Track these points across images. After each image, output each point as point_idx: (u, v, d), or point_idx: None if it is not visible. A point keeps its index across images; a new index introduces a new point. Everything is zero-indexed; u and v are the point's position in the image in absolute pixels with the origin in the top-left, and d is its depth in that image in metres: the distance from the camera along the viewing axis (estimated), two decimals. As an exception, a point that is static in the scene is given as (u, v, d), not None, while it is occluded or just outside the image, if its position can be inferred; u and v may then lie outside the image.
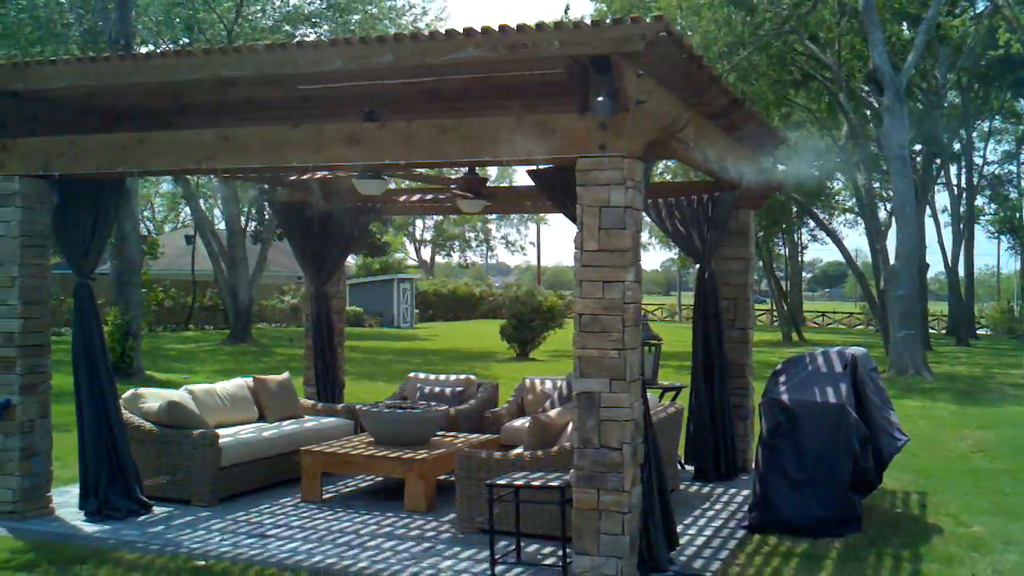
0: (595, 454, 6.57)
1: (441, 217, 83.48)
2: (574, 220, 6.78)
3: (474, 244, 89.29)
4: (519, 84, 7.04)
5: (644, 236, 61.05)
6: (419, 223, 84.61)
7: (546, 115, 6.75)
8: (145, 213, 75.83)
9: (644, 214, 10.36)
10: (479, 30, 6.47)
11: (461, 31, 6.52)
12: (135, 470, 8.48)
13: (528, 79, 6.94)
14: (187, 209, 43.54)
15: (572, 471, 6.70)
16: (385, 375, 22.44)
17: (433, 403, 10.07)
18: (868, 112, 32.87)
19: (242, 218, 36.49)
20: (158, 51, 7.73)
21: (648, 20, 6.15)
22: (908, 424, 13.80)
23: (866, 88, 31.16)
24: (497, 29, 6.45)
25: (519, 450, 8.25)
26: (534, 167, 7.50)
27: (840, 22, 29.18)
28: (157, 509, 8.54)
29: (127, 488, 8.34)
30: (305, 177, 10.09)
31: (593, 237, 6.63)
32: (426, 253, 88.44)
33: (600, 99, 6.42)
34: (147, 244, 23.90)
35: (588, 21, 6.40)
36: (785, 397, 8.27)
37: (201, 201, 45.50)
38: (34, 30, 25.43)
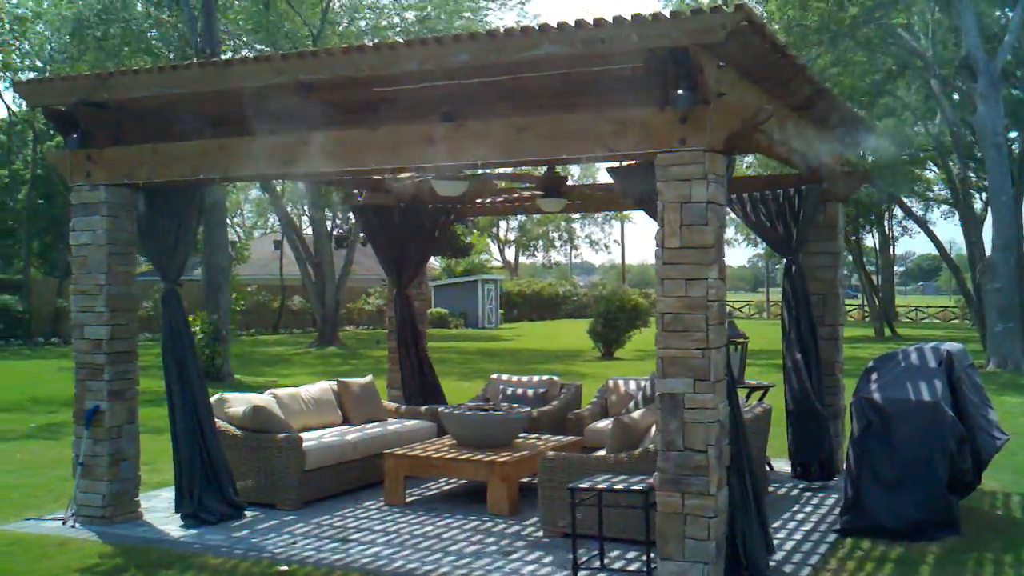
0: (679, 457, 6.41)
1: (525, 217, 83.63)
2: (655, 217, 6.64)
3: (558, 244, 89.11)
4: (597, 80, 6.89)
5: (730, 232, 60.50)
6: (503, 224, 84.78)
7: (625, 111, 6.61)
8: (235, 219, 77.62)
9: (728, 209, 10.28)
10: (555, 26, 6.37)
11: (537, 27, 6.43)
12: (228, 473, 8.55)
13: (606, 74, 6.79)
14: (275, 215, 44.12)
15: (656, 474, 6.55)
16: (468, 375, 22.43)
17: (515, 405, 9.99)
18: (960, 99, 31.92)
19: (328, 223, 36.94)
20: (237, 58, 7.69)
21: (729, 9, 5.97)
22: (1009, 421, 13.32)
23: (959, 76, 30.29)
24: (573, 24, 6.34)
25: (602, 452, 8.11)
26: (614, 164, 7.37)
27: (933, 8, 28.35)
28: (246, 513, 8.59)
29: (220, 491, 8.41)
30: (383, 178, 10.06)
31: (675, 234, 6.47)
32: (510, 254, 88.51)
33: (679, 92, 6.27)
34: (235, 250, 24.20)
35: (667, 13, 6.20)
36: (877, 396, 7.99)
37: (288, 207, 46.34)
38: (123, 42, 26.10)
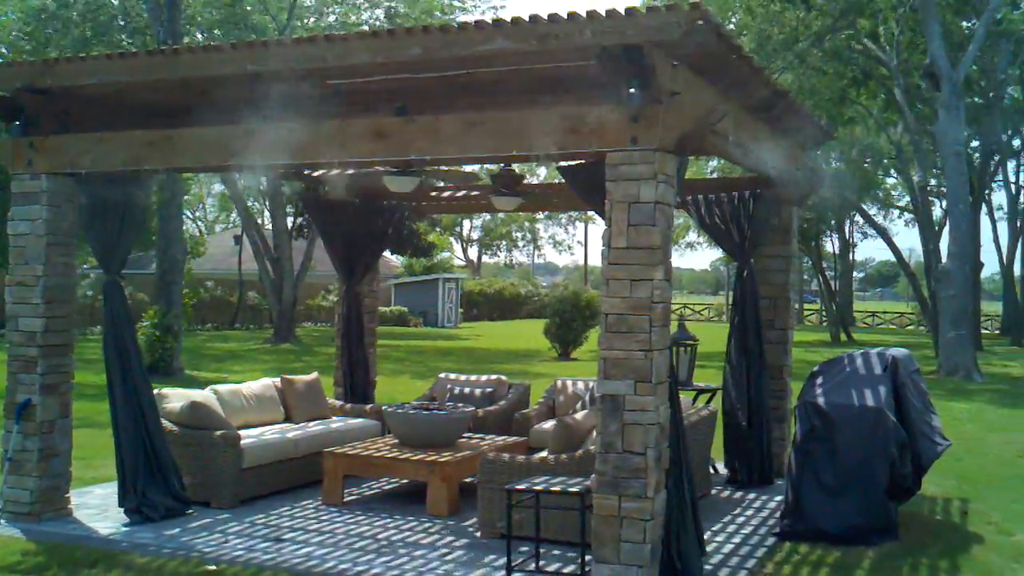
0: (617, 459, 6.33)
1: (489, 217, 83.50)
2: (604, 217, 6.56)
3: (521, 244, 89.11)
4: (551, 77, 6.79)
5: (692, 235, 60.61)
6: (467, 223, 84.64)
7: (578, 108, 6.52)
8: (197, 213, 76.92)
9: (687, 211, 10.24)
10: (508, 21, 6.27)
11: (490, 22, 6.32)
12: (174, 466, 8.38)
13: (560, 72, 6.69)
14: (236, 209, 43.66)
15: (593, 476, 6.47)
16: (423, 374, 22.29)
17: (460, 404, 9.87)
18: (923, 108, 32.22)
19: (288, 218, 36.60)
20: (184, 46, 7.52)
21: (684, 7, 5.90)
22: (954, 427, 13.42)
23: (922, 84, 30.56)
24: (527, 19, 6.24)
25: (543, 454, 8.02)
26: (565, 163, 7.28)
27: (898, 15, 28.55)
28: (178, 510, 8.43)
29: (166, 485, 8.24)
30: (333, 173, 9.88)
31: (622, 234, 6.39)
32: (473, 253, 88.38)
33: (632, 91, 6.19)
34: (190, 244, 23.92)
35: (621, 10, 6.11)
36: (821, 400, 7.97)
37: (249, 201, 45.90)
38: (93, 34, 25.73)
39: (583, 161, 6.94)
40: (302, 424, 10.11)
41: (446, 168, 9.72)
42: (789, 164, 9.64)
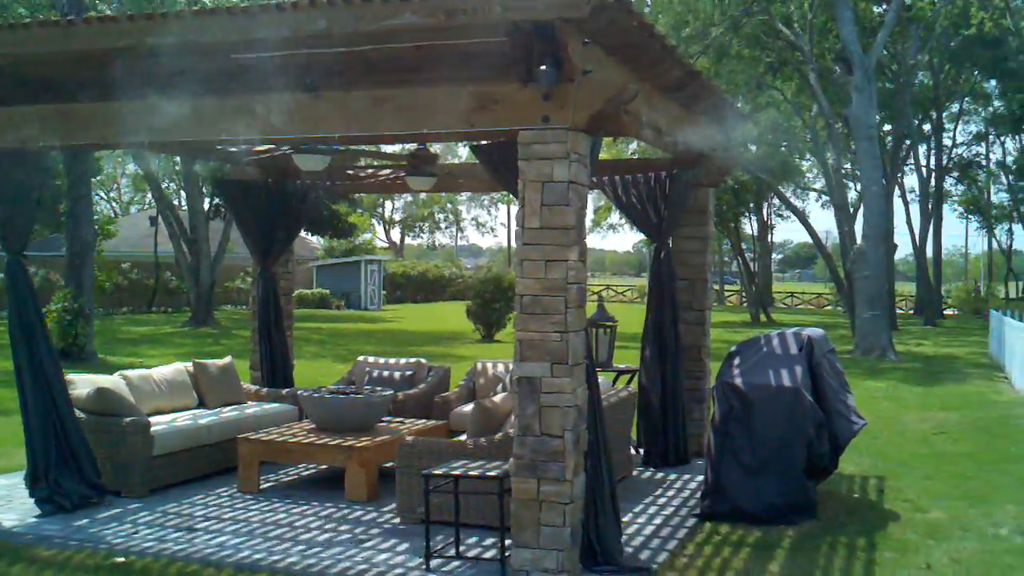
0: (535, 442, 6.26)
1: (411, 198, 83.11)
2: (517, 196, 6.45)
3: (443, 226, 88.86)
4: (461, 54, 6.62)
5: (614, 217, 60.83)
6: (388, 204, 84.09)
7: (488, 86, 6.40)
8: (111, 194, 75.16)
9: (603, 191, 10.19)
10: (418, -5, 6.11)
11: (399, -4, 6.16)
12: (88, 453, 8.10)
13: (471, 48, 6.52)
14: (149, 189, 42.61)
15: (512, 460, 6.39)
16: (344, 357, 22.02)
17: (379, 388, 9.71)
18: (836, 92, 32.71)
19: (204, 199, 35.90)
20: (80, 18, 7.20)
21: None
22: (870, 406, 13.63)
23: (835, 68, 31.01)
24: (437, -6, 6.09)
25: (463, 437, 7.92)
26: (477, 142, 7.16)
27: (811, 2, 28.92)
28: (83, 500, 8.16)
29: (80, 473, 7.96)
30: (235, 150, 9.60)
31: (535, 214, 6.30)
32: (396, 235, 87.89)
33: (543, 68, 6.07)
34: (100, 225, 23.29)
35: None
36: (739, 381, 7.99)
37: (166, 183, 44.91)
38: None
39: (495, 140, 6.82)
40: (216, 409, 9.87)
41: (365, 148, 9.51)
42: (703, 145, 9.64)
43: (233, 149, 8.67)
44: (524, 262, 6.33)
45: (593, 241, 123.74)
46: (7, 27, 7.26)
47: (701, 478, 8.95)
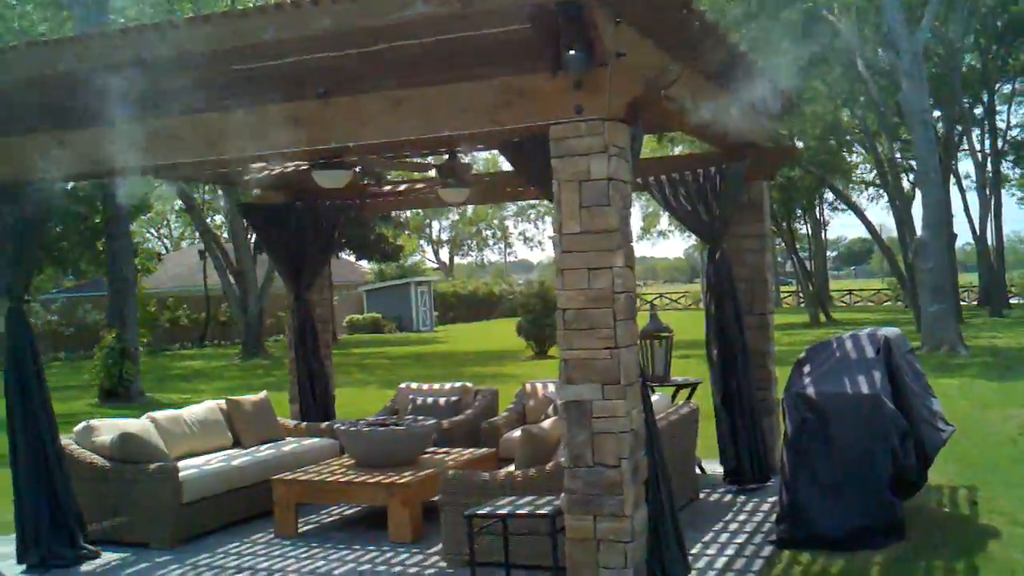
0: (588, 474, 5.59)
1: (457, 217, 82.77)
2: (552, 200, 5.80)
3: (491, 242, 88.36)
4: (482, 46, 5.99)
5: (663, 222, 59.87)
6: (435, 224, 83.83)
7: (512, 78, 5.78)
8: (161, 231, 75.63)
9: (650, 193, 9.50)
10: (427, -16, 5.49)
11: (408, -15, 5.54)
12: (77, 514, 7.54)
13: (491, 38, 5.89)
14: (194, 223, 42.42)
15: (563, 495, 5.71)
16: (393, 383, 21.45)
17: (421, 417, 9.06)
18: (884, 81, 31.71)
19: (249, 230, 35.60)
20: (68, 37, 6.66)
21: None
22: (947, 406, 12.62)
23: (881, 54, 30.05)
24: (448, -19, 5.46)
25: (511, 468, 7.24)
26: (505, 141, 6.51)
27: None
28: (111, 555, 7.60)
29: (70, 534, 7.41)
30: (259, 171, 9.03)
31: (573, 217, 5.65)
32: (445, 254, 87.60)
33: (572, 53, 5.43)
34: (140, 260, 22.99)
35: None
36: (811, 390, 7.23)
37: (211, 216, 44.83)
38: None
39: (524, 138, 6.17)
40: (252, 448, 9.30)
41: (390, 157, 8.88)
42: (755, 135, 8.92)
43: (241, 170, 8.06)
44: (564, 272, 5.68)
45: (643, 249, 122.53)
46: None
47: (773, 499, 8.21)
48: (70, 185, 20.15)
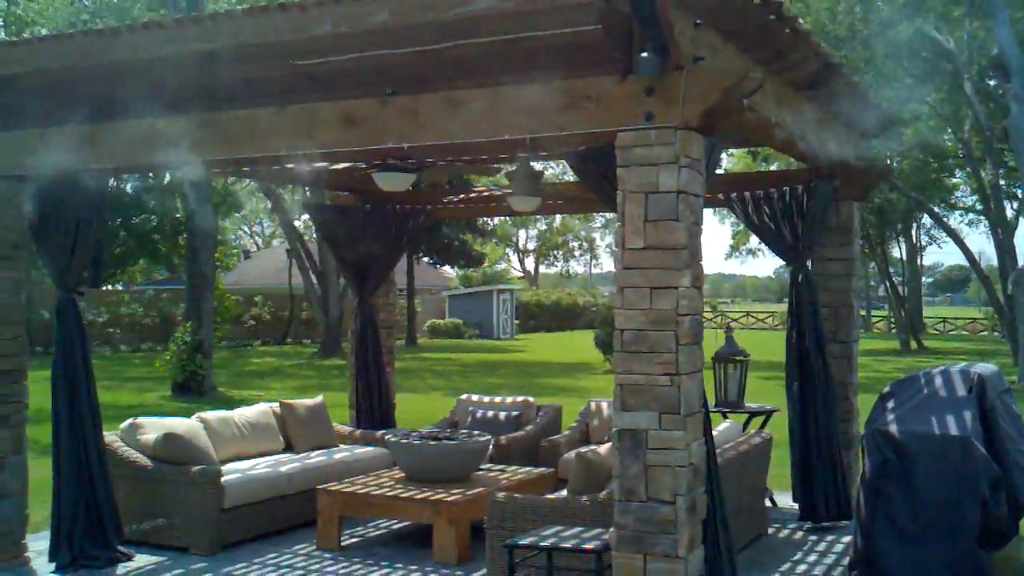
0: (641, 509, 5.15)
1: (544, 227, 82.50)
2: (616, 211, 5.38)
3: (578, 253, 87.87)
4: (547, 45, 5.59)
5: (754, 241, 58.73)
6: (522, 233, 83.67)
7: (578, 81, 5.38)
8: (255, 228, 76.82)
9: (732, 211, 9.01)
10: (491, -23, 5.13)
11: (470, -21, 5.19)
12: (114, 513, 7.33)
13: (558, 39, 5.50)
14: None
15: (612, 529, 5.28)
16: (463, 390, 21.14)
17: (476, 432, 8.67)
18: (992, 106, 30.50)
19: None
20: (124, 25, 6.43)
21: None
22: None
23: (992, 76, 28.88)
24: (513, -26, 5.10)
25: (563, 493, 6.83)
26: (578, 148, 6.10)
27: (966, 7, 26.94)
28: (147, 559, 7.38)
29: (104, 536, 7.20)
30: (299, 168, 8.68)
31: (638, 231, 5.22)
32: (530, 264, 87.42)
33: (644, 55, 5.02)
34: (219, 256, 23.10)
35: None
36: (894, 428, 6.66)
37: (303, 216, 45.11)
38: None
39: (591, 145, 5.76)
40: (303, 454, 9.03)
41: (462, 161, 8.52)
42: (846, 152, 8.37)
43: (292, 166, 7.77)
44: (625, 290, 5.27)
45: (732, 267, 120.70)
46: (50, 38, 6.61)
47: (848, 539, 7.65)
48: (139, 179, 20.34)
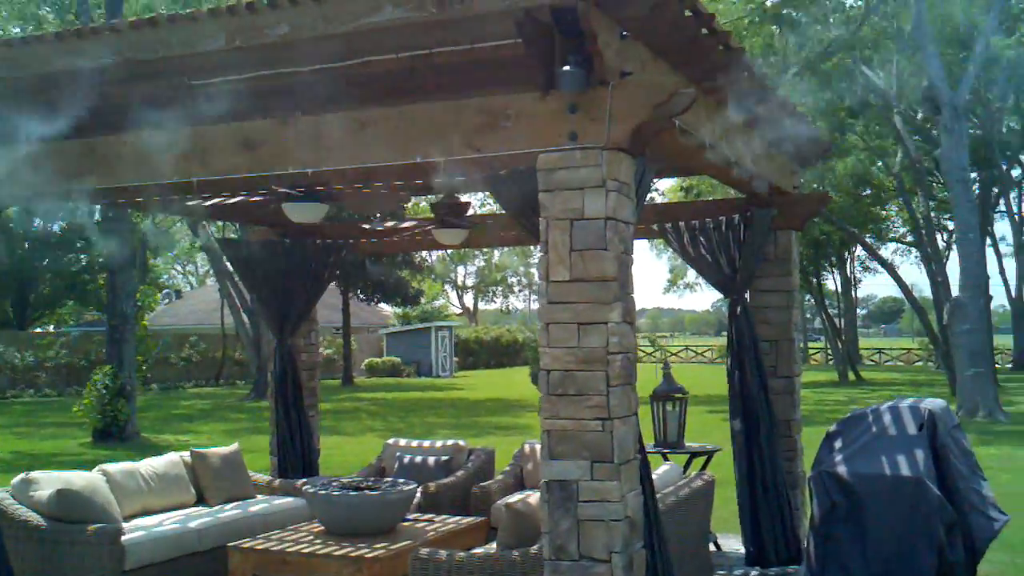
0: (573, 569, 4.66)
1: (483, 263, 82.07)
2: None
3: (517, 289, 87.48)
4: (463, 61, 5.16)
5: (691, 275, 58.79)
6: (460, 269, 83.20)
7: (496, 98, 4.95)
8: (187, 267, 75.40)
9: (667, 242, 8.63)
10: (400, -16, 4.68)
11: (378, -13, 4.73)
12: None
13: (474, 54, 5.06)
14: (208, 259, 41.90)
15: (541, 593, 4.78)
16: (399, 431, 20.54)
17: (401, 480, 8.09)
18: (920, 139, 30.79)
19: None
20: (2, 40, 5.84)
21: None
22: (989, 478, 11.66)
23: (918, 110, 29.16)
24: (424, -19, 4.64)
25: (493, 546, 6.31)
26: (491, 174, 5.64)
27: (897, 43, 27.17)
28: (38, 630, 6.71)
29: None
30: (232, 201, 8.15)
31: (563, 262, 4.77)
32: (469, 300, 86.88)
33: (566, 69, 4.58)
34: (140, 296, 22.29)
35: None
36: (843, 469, 6.25)
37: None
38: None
39: (511, 169, 5.30)
40: (216, 507, 8.39)
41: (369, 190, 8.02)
42: (782, 178, 8.03)
43: (193, 202, 7.21)
44: (550, 326, 4.80)
45: (671, 301, 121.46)
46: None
47: (797, 588, 7.22)
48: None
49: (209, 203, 7.55)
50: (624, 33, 4.79)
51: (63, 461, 16.24)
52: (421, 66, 5.09)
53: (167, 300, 56.76)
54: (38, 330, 43.91)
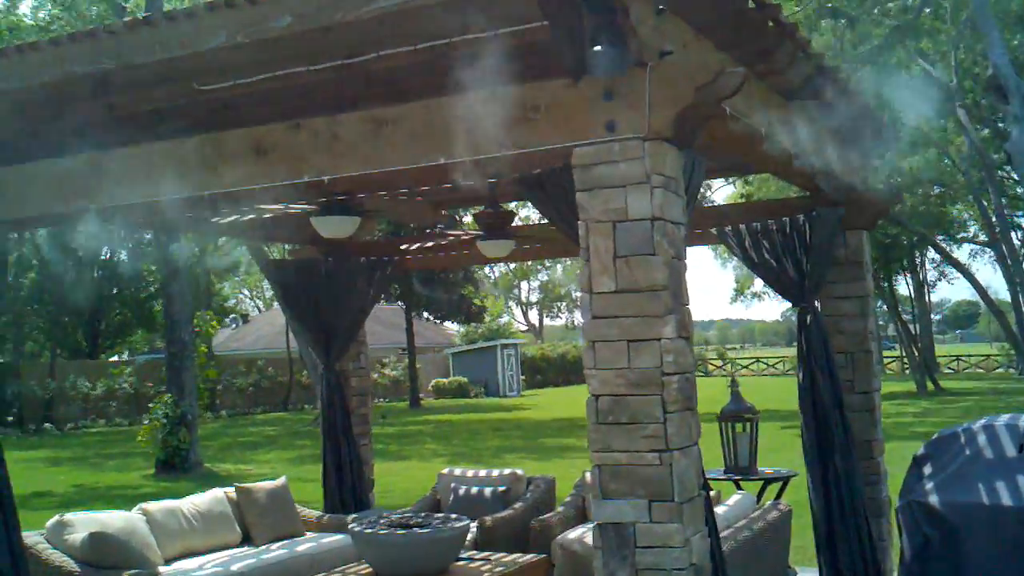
0: (629, 624, 4.05)
1: (547, 278, 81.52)
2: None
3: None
4: (483, 46, 4.58)
5: (758, 283, 57.55)
6: (524, 285, 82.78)
7: (523, 87, 4.38)
8: (254, 294, 75.90)
9: (727, 248, 7.98)
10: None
11: (384, -32, 4.21)
12: None
13: (495, 38, 4.51)
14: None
15: (594, 652, 4.18)
16: (463, 456, 20.05)
17: (454, 515, 7.51)
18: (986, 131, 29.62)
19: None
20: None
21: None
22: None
23: (984, 100, 28.00)
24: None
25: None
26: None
27: (957, 30, 26.13)
28: None
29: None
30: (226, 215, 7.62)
31: (606, 271, 4.19)
32: (534, 316, 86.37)
33: (598, 49, 4.01)
34: (198, 323, 22.10)
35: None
36: (934, 499, 5.56)
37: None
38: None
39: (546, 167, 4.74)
40: (263, 547, 7.92)
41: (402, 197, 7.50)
42: (852, 174, 7.35)
43: (217, 219, 6.72)
44: (596, 344, 4.21)
45: (738, 311, 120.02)
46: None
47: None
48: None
49: (226, 220, 7.08)
50: (661, 8, 4.20)
51: (126, 494, 16.00)
52: (441, 57, 4.55)
53: (234, 325, 57.09)
54: (112, 359, 44.25)
